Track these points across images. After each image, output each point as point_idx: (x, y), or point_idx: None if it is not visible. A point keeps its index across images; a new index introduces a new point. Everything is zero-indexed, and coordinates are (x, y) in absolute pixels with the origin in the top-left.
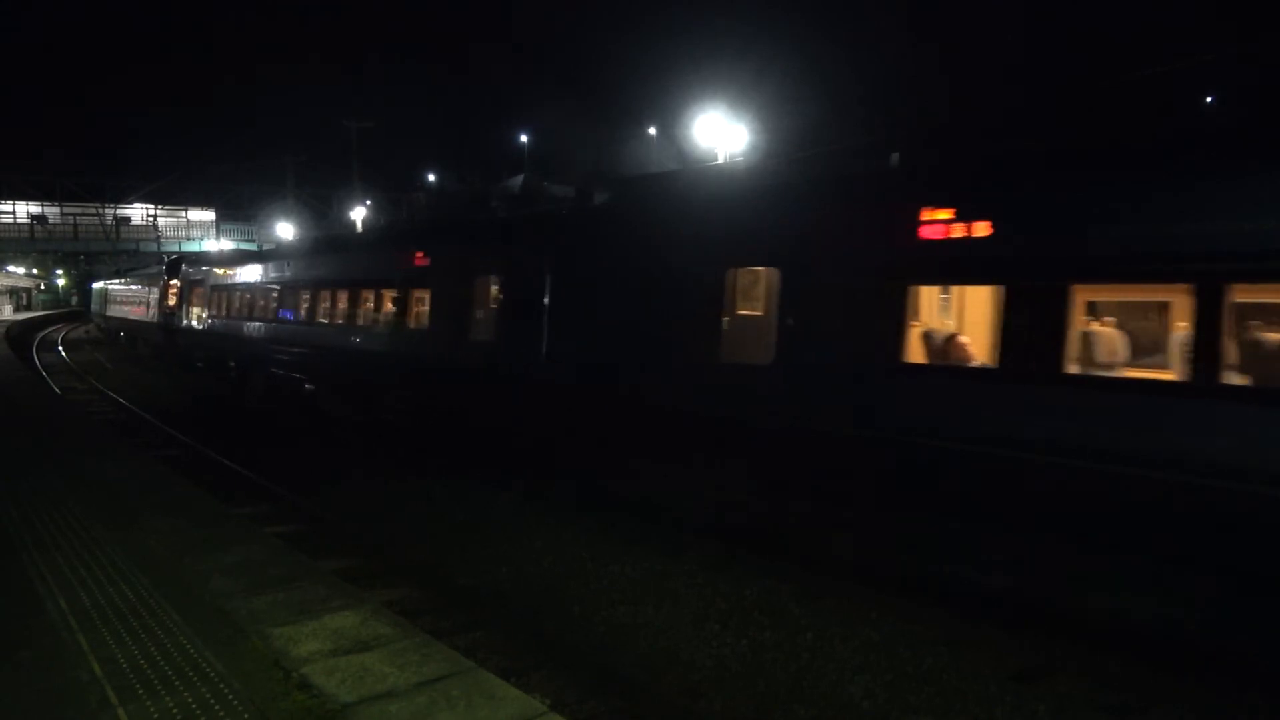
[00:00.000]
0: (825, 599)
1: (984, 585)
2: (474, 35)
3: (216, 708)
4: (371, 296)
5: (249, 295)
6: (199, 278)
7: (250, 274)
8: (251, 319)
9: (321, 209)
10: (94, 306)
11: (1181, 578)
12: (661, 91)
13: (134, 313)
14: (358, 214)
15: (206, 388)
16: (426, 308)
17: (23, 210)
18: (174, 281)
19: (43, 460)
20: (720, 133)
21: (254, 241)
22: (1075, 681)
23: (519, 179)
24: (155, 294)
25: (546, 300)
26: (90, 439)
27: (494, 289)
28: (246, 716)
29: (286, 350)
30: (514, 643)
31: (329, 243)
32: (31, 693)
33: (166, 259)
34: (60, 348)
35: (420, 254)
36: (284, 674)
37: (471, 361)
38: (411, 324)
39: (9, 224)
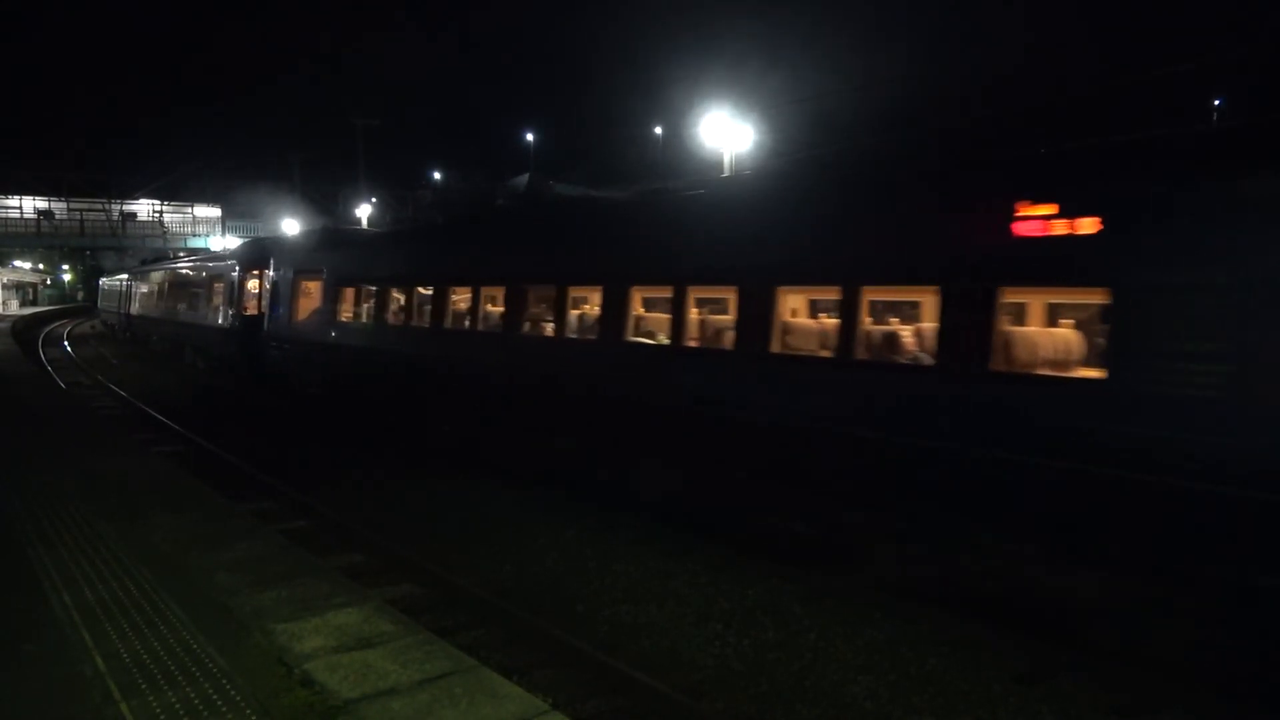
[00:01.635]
0: (827, 600)
1: (986, 585)
2: (477, 34)
3: (219, 703)
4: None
5: (430, 298)
6: (314, 267)
7: (435, 262)
8: (439, 333)
9: (327, 206)
10: (104, 304)
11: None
12: (666, 91)
13: (177, 313)
14: (363, 211)
15: (211, 384)
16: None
17: (30, 205)
18: (255, 274)
19: (48, 456)
20: (725, 132)
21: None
22: (1078, 682)
23: (523, 178)
24: (219, 290)
25: None
26: (95, 434)
27: None
28: (249, 712)
29: (541, 381)
30: (516, 641)
31: (658, 211)
32: (35, 687)
33: (241, 243)
34: (66, 343)
35: (1043, 209)
36: (287, 670)
37: None
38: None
39: (16, 219)
